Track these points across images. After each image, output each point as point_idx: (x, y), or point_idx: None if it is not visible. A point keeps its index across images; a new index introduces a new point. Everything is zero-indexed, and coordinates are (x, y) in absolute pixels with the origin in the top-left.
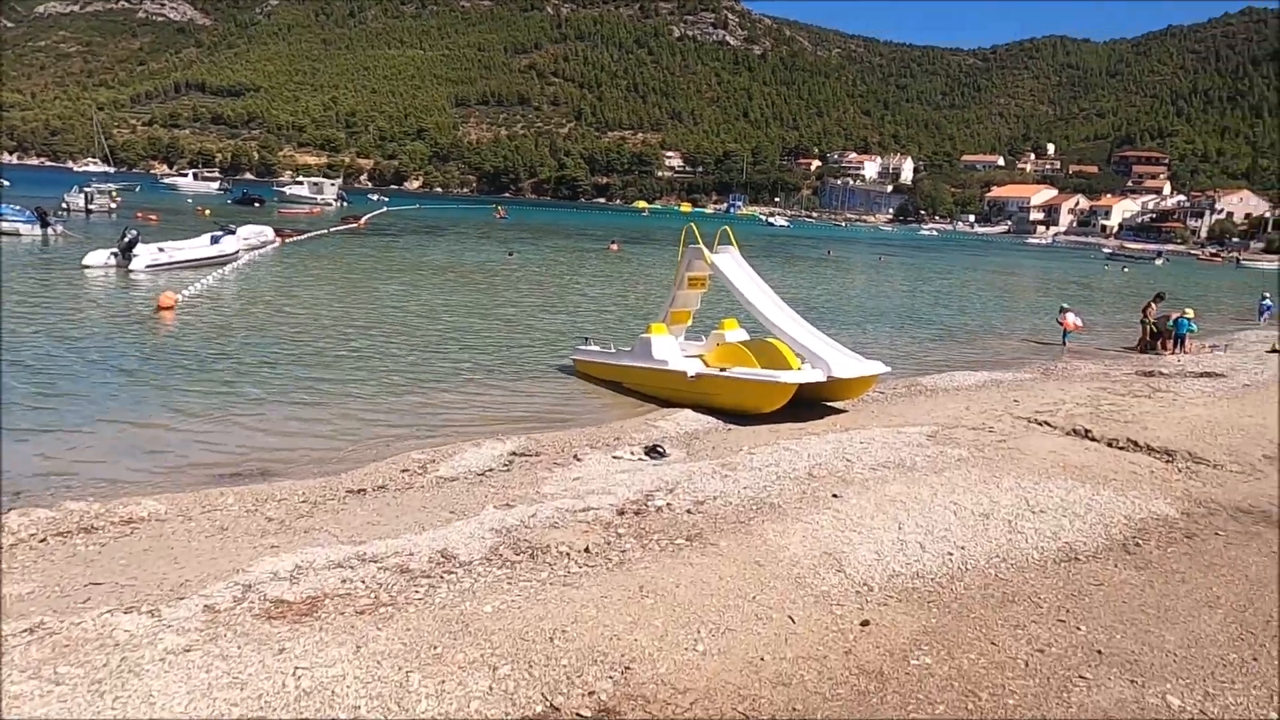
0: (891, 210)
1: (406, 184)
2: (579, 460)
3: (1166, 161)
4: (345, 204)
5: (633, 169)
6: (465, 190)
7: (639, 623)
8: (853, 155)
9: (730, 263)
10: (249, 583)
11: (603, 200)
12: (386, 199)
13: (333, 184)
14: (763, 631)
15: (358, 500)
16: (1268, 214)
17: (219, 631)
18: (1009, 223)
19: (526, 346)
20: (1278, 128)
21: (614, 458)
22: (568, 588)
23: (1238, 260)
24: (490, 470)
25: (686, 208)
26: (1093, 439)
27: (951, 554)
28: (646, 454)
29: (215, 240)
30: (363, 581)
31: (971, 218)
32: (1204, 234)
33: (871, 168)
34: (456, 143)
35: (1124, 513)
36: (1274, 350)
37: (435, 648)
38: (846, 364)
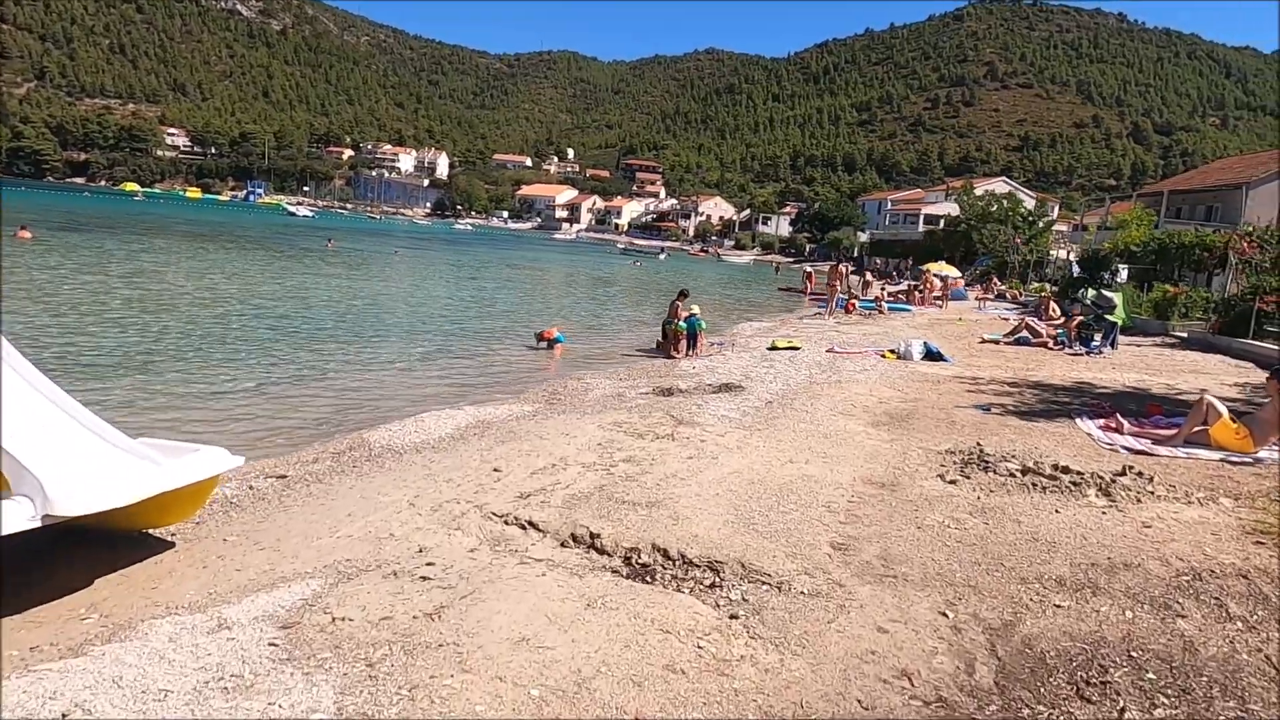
0: (429, 204)
1: None
2: None
3: (661, 170)
4: None
5: (121, 145)
6: None
7: None
8: (387, 147)
9: None
10: None
11: (81, 180)
12: None
13: None
14: None
15: None
16: (734, 217)
17: None
18: (538, 219)
19: None
20: (736, 148)
21: None
22: None
23: (718, 255)
24: None
25: (195, 193)
26: (601, 551)
27: None
28: None
29: None
30: None
31: (505, 214)
32: (692, 232)
33: (407, 161)
34: None
35: None
36: (774, 348)
37: None
38: (98, 483)
